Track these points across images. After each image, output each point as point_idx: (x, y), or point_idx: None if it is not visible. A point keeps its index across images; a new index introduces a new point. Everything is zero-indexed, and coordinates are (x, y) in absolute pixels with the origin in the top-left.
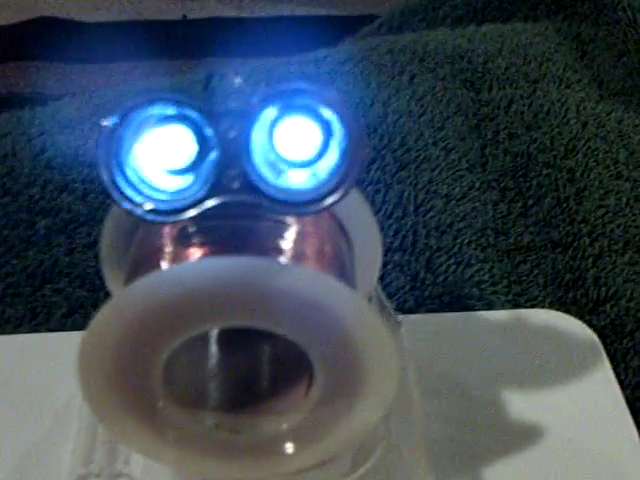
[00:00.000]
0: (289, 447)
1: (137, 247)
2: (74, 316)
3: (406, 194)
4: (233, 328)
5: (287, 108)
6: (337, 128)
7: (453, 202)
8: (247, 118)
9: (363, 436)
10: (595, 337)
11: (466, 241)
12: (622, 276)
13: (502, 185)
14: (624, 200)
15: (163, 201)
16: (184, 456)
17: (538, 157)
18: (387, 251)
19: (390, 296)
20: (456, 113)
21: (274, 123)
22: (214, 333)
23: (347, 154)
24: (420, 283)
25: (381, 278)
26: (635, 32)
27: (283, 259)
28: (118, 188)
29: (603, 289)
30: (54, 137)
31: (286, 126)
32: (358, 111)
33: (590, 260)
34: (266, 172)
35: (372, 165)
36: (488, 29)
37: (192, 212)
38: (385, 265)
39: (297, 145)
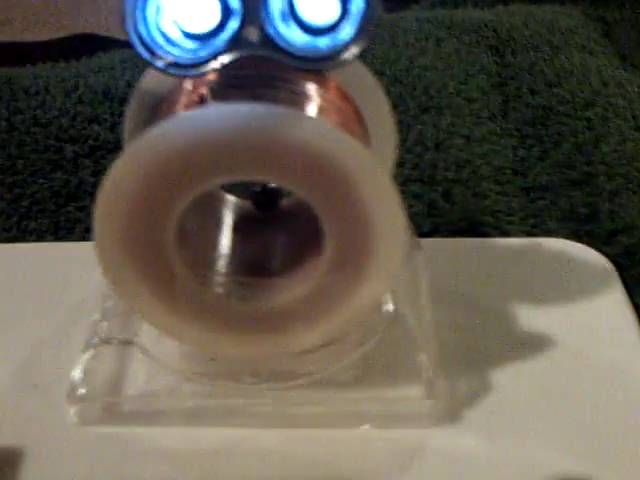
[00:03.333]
0: (297, 322)
1: (157, 112)
2: None
3: (427, 133)
4: (245, 214)
5: None
6: None
7: (473, 143)
8: None
9: (369, 312)
10: (609, 263)
11: (484, 176)
12: (637, 210)
13: (522, 133)
14: None
15: (184, 55)
16: (194, 327)
17: (558, 109)
18: (405, 182)
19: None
20: (480, 72)
21: None
22: (228, 218)
23: (363, 13)
24: (437, 210)
25: None
26: None
27: (302, 111)
28: (142, 39)
29: (618, 221)
30: (86, 79)
31: None
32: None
33: (605, 196)
34: (284, 29)
35: (395, 109)
36: (515, 7)
37: (212, 65)
38: (403, 194)
39: (316, 7)
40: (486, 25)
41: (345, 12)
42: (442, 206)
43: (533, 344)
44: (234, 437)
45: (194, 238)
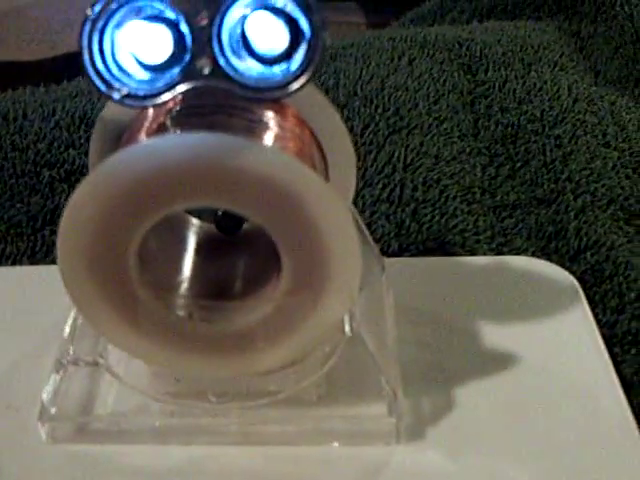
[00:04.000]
0: (259, 342)
1: (118, 142)
2: None
3: (396, 154)
4: (208, 237)
5: (257, 4)
6: (303, 24)
7: (442, 163)
8: (218, 6)
9: (329, 333)
10: (574, 280)
11: (452, 196)
12: (604, 228)
13: (492, 152)
14: (610, 165)
15: (139, 87)
16: (158, 349)
17: (528, 127)
18: (375, 202)
19: (375, 241)
20: (451, 91)
21: (245, 17)
22: (192, 240)
23: (311, 43)
24: (405, 230)
25: (368, 225)
26: (632, 25)
27: (258, 140)
28: (98, 73)
29: (584, 239)
30: (64, 103)
31: (256, 19)
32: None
33: (572, 214)
34: (235, 61)
35: (365, 130)
36: (489, 24)
37: (166, 96)
38: (372, 215)
39: (266, 39)
40: (459, 43)
41: (294, 42)
42: (410, 226)
43: (497, 361)
44: (201, 455)
45: (157, 260)
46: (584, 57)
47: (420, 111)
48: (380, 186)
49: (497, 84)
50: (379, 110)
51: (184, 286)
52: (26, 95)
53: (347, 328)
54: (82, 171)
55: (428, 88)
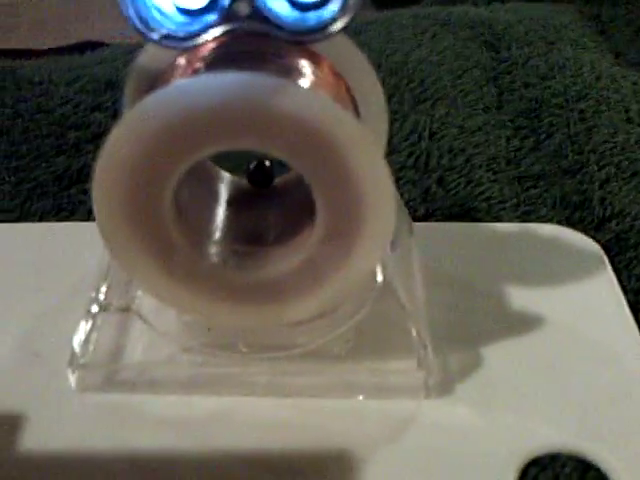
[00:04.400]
0: (290, 292)
1: (151, 88)
2: None
3: (422, 123)
4: (240, 189)
5: None
6: None
7: (467, 133)
8: None
9: (360, 284)
10: (598, 248)
11: (477, 164)
12: (628, 198)
13: (516, 124)
14: (633, 139)
15: (177, 28)
16: (191, 296)
17: (551, 100)
18: (400, 169)
19: None
20: (475, 67)
21: None
22: (224, 193)
23: None
24: (431, 196)
25: None
26: None
27: (295, 82)
28: (138, 13)
29: (609, 208)
30: (89, 69)
31: None
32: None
33: (597, 184)
34: (273, 3)
35: (390, 99)
36: (510, 5)
37: (204, 37)
38: (398, 180)
39: None
40: (482, 22)
41: None
42: (437, 192)
43: (524, 323)
44: (229, 405)
45: (191, 210)
46: (605, 40)
47: (444, 84)
48: (406, 153)
49: (520, 61)
50: (404, 81)
51: (218, 233)
52: (50, 62)
53: (379, 277)
54: (108, 133)
55: (452, 63)
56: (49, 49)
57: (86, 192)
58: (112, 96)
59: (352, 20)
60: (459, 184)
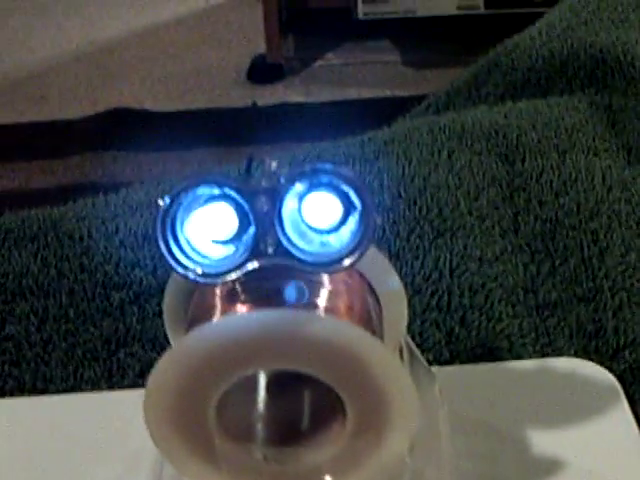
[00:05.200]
0: (328, 478)
1: (193, 308)
2: (146, 376)
3: (442, 259)
4: (276, 373)
5: (311, 185)
6: (354, 199)
7: (486, 265)
8: (277, 194)
9: (393, 467)
10: (615, 381)
11: (497, 299)
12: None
13: (532, 248)
14: None
15: (210, 266)
16: None
17: (565, 221)
18: (424, 310)
19: (427, 350)
20: (491, 185)
21: (301, 197)
22: (261, 379)
23: (362, 221)
24: (455, 338)
25: (420, 334)
26: None
27: (317, 312)
28: (174, 256)
29: (622, 337)
30: (126, 220)
31: (312, 199)
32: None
33: (610, 312)
34: (296, 239)
35: (411, 234)
36: (523, 105)
37: (235, 274)
38: (423, 323)
39: (322, 215)
40: (496, 132)
41: (347, 223)
42: (460, 333)
43: (545, 469)
44: None
45: (233, 412)
46: (616, 134)
47: (462, 211)
48: (429, 293)
49: (534, 174)
50: (423, 212)
51: (258, 431)
52: (87, 208)
53: (408, 460)
54: (149, 291)
55: (468, 184)
56: (81, 119)
57: (133, 356)
58: (149, 250)
59: (365, 251)
60: (480, 323)
